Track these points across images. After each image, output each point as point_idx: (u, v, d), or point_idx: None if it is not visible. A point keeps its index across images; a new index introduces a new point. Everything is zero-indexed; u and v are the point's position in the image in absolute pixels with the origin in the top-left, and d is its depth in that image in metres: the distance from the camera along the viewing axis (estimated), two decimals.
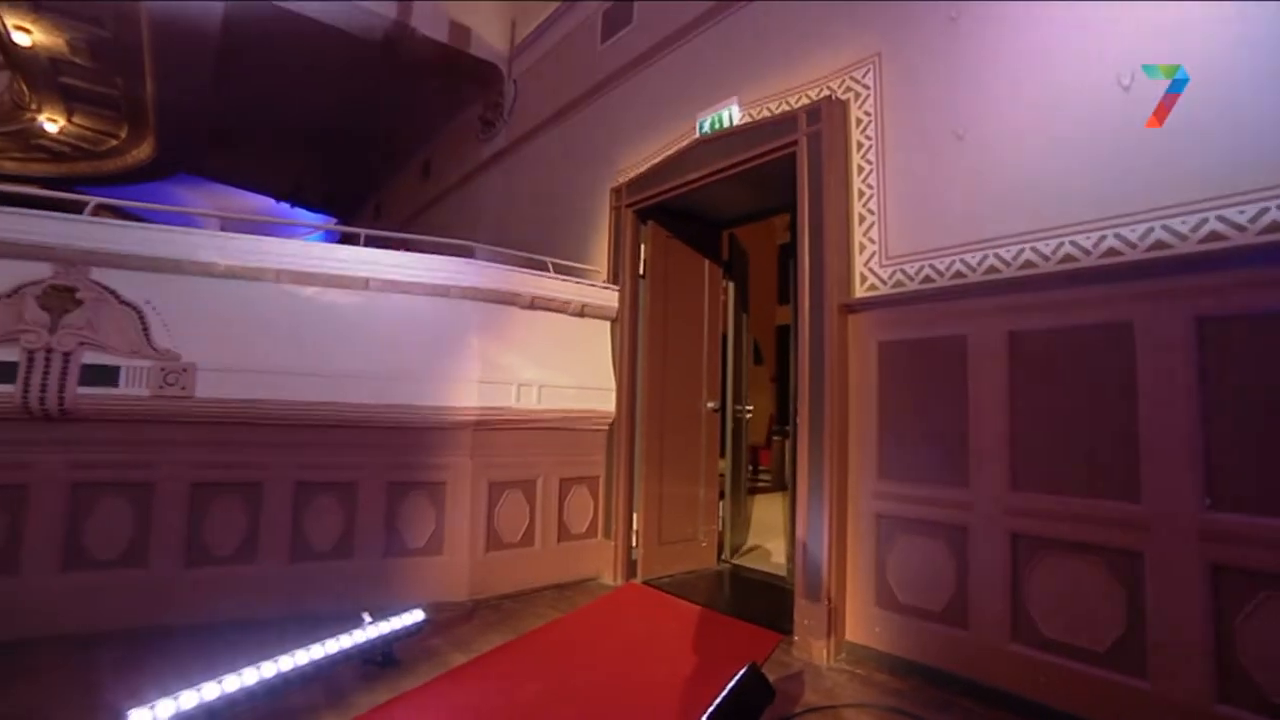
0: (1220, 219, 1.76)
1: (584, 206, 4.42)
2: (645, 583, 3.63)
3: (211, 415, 2.78)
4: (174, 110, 7.24)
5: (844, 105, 2.75)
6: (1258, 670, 1.64)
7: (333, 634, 2.26)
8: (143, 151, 8.61)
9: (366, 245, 3.18)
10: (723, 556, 4.16)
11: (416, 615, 2.55)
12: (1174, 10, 1.90)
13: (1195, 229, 1.80)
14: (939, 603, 2.28)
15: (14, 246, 2.57)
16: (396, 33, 5.37)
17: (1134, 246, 1.91)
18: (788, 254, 4.37)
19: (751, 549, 4.49)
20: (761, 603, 3.31)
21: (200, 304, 2.82)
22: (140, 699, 1.72)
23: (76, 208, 2.77)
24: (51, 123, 7.66)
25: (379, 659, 2.40)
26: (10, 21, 5.51)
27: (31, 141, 8.32)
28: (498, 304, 3.30)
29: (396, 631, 2.46)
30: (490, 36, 5.76)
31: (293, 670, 2.07)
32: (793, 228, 3.04)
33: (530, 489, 3.44)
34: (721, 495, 4.21)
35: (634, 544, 3.70)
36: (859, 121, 2.71)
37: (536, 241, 4.61)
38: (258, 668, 1.98)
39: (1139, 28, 1.96)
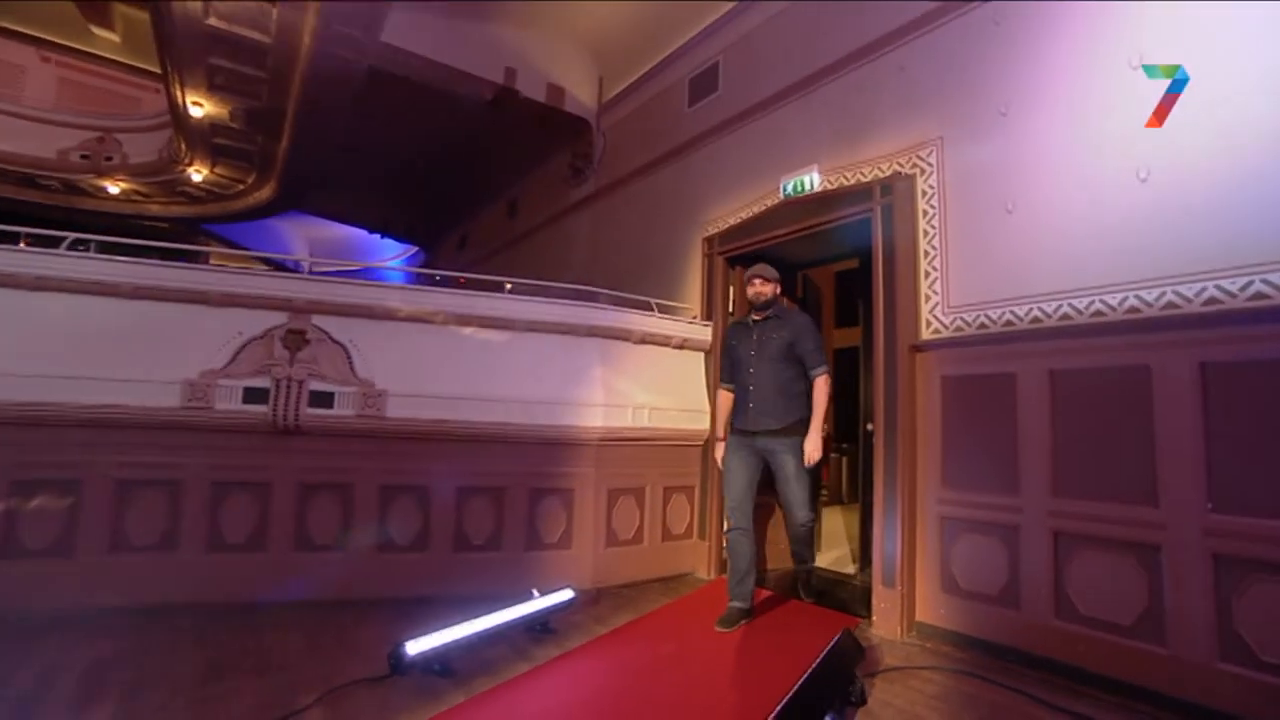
0: (1217, 287, 2.28)
1: (672, 250, 5.08)
2: None
3: (397, 432, 3.53)
4: (299, 160, 8.28)
5: (911, 180, 3.33)
6: (1250, 635, 2.13)
7: (497, 609, 2.90)
8: (264, 194, 9.72)
9: (468, 287, 3.92)
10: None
11: (568, 594, 3.21)
12: (1181, 122, 2.42)
13: (1198, 294, 2.32)
14: (995, 588, 2.80)
15: (264, 299, 3.38)
16: (503, 95, 6.17)
17: (1150, 306, 2.44)
18: (846, 281, 4.91)
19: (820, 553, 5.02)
20: (836, 595, 3.86)
21: (388, 342, 3.58)
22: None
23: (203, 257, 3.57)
24: (197, 173, 8.82)
25: (538, 627, 3.06)
26: (190, 98, 6.56)
27: (176, 188, 9.54)
28: (615, 340, 3.98)
29: (554, 606, 3.12)
30: (581, 94, 6.52)
31: (489, 629, 2.74)
32: (867, 278, 3.62)
33: (640, 496, 4.09)
34: None
35: (725, 544, 4.29)
36: (924, 193, 3.28)
37: (626, 279, 5.30)
38: (470, 624, 2.66)
39: (1154, 134, 2.49)
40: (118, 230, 11.46)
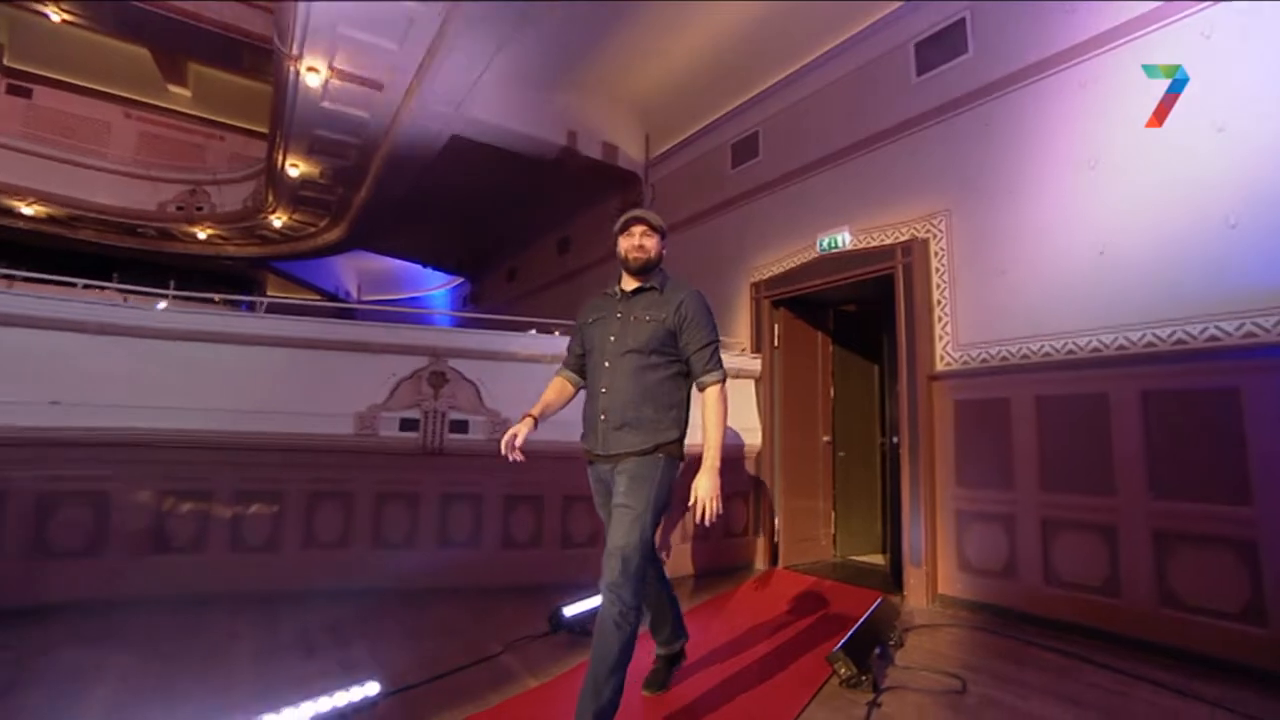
0: (1154, 334, 3.12)
1: (718, 291, 5.96)
2: (786, 568, 5.06)
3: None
4: (372, 207, 9.28)
5: (926, 243, 4.20)
6: (1181, 588, 2.95)
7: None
8: (333, 235, 10.75)
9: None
10: (836, 551, 5.55)
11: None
12: (1127, 210, 3.28)
13: (1140, 339, 3.17)
14: (999, 564, 3.64)
15: (413, 347, 4.30)
16: (565, 155, 7.11)
17: (1107, 347, 3.28)
18: (866, 317, 5.75)
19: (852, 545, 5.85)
20: (871, 579, 4.69)
21: (509, 378, 4.48)
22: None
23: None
24: (277, 220, 9.87)
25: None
26: (289, 160, 7.58)
27: (255, 232, 10.60)
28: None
29: None
30: (631, 150, 7.45)
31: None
32: (891, 322, 4.48)
33: None
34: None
35: (776, 540, 5.15)
36: (936, 254, 4.15)
37: None
38: (583, 602, 3.53)
39: (1110, 217, 3.35)
40: (199, 269, 12.55)
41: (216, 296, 13.76)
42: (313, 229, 10.56)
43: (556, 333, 6.12)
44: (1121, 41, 3.34)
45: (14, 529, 3.47)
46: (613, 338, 2.37)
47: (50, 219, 9.87)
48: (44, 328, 3.59)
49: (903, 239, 4.33)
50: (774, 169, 5.56)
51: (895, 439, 4.48)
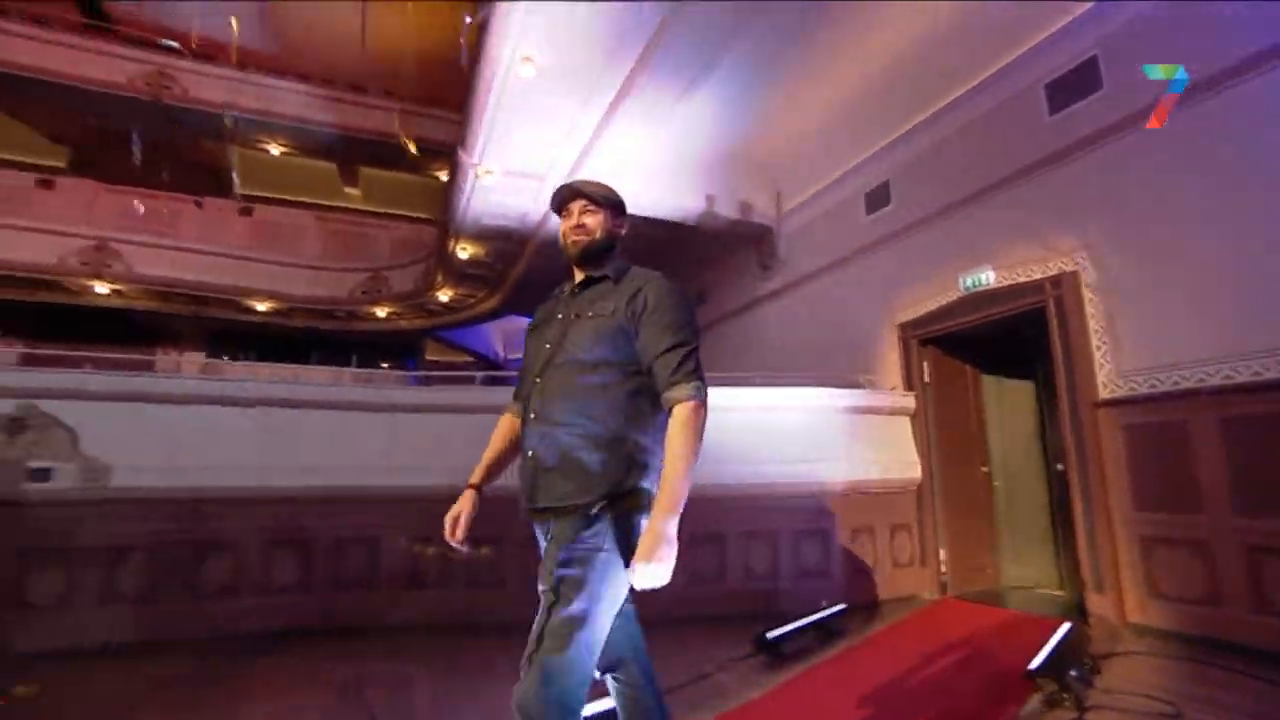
0: None
1: (863, 332, 6.27)
2: (956, 597, 5.18)
3: (697, 496, 4.93)
4: (526, 278, 10.40)
5: (1075, 276, 4.36)
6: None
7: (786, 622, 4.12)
8: (490, 304, 12.03)
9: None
10: (1003, 580, 5.56)
11: (841, 606, 4.40)
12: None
13: None
14: (1197, 591, 3.66)
15: None
16: (705, 218, 7.75)
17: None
18: (1015, 350, 5.81)
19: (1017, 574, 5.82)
20: (1046, 606, 4.73)
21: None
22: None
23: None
24: (444, 294, 11.26)
25: (826, 629, 4.26)
26: (459, 245, 8.80)
27: (425, 306, 12.11)
28: (849, 413, 5.23)
29: (834, 613, 4.32)
30: (762, 205, 7.98)
31: (804, 623, 4.00)
32: (1041, 353, 4.63)
33: (871, 533, 5.22)
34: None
35: (942, 570, 5.29)
36: (1088, 285, 4.29)
37: (824, 358, 6.54)
38: (792, 623, 3.92)
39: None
40: (373, 343, 14.32)
41: (385, 364, 15.58)
42: (473, 300, 11.89)
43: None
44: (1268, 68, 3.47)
45: (319, 568, 4.43)
46: (548, 345, 1.77)
47: (275, 311, 11.87)
48: (343, 409, 4.60)
49: (1050, 273, 4.50)
50: (908, 214, 5.86)
51: (1060, 466, 4.57)
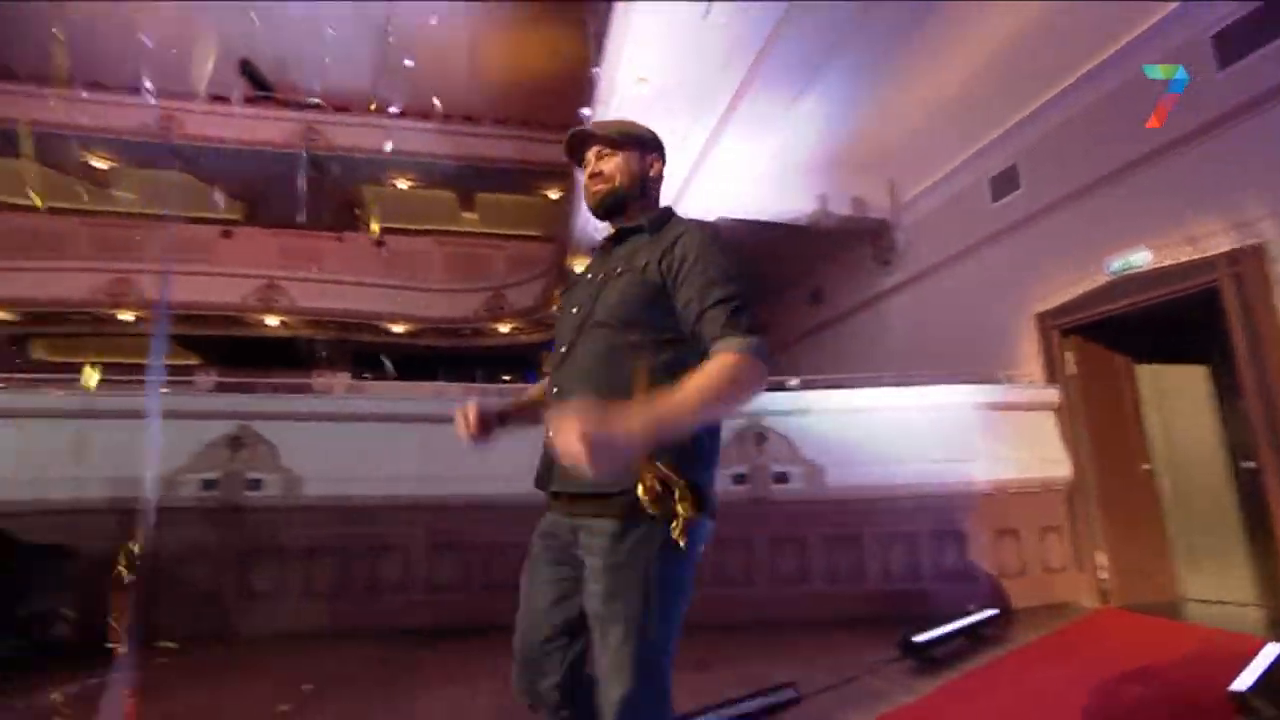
0: None
1: (995, 324, 5.96)
2: (1121, 607, 4.81)
3: (832, 498, 4.91)
4: None
5: (1259, 249, 3.96)
6: None
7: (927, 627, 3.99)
8: None
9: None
10: (1179, 590, 5.09)
11: (992, 611, 4.23)
12: None
13: None
14: None
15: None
16: (817, 217, 7.66)
17: None
18: (1177, 336, 5.31)
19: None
20: (1239, 623, 4.29)
21: (815, 430, 5.03)
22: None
23: None
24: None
25: (976, 635, 4.11)
26: (576, 260, 9.19)
27: (543, 321, 12.71)
28: (985, 410, 5.02)
29: (984, 618, 4.16)
30: (877, 199, 7.77)
31: (953, 628, 3.89)
32: (1211, 339, 4.23)
33: (1016, 535, 4.96)
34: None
35: (1102, 576, 4.93)
36: (1274, 260, 3.89)
37: (952, 352, 6.26)
38: (940, 628, 3.83)
39: None
40: (495, 358, 15.14)
41: (506, 378, 16.39)
42: None
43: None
44: None
45: (474, 570, 4.80)
46: (575, 309, 1.55)
47: (408, 333, 12.91)
48: None
49: (1224, 248, 4.12)
50: (1041, 197, 5.53)
51: (1250, 463, 4.15)
